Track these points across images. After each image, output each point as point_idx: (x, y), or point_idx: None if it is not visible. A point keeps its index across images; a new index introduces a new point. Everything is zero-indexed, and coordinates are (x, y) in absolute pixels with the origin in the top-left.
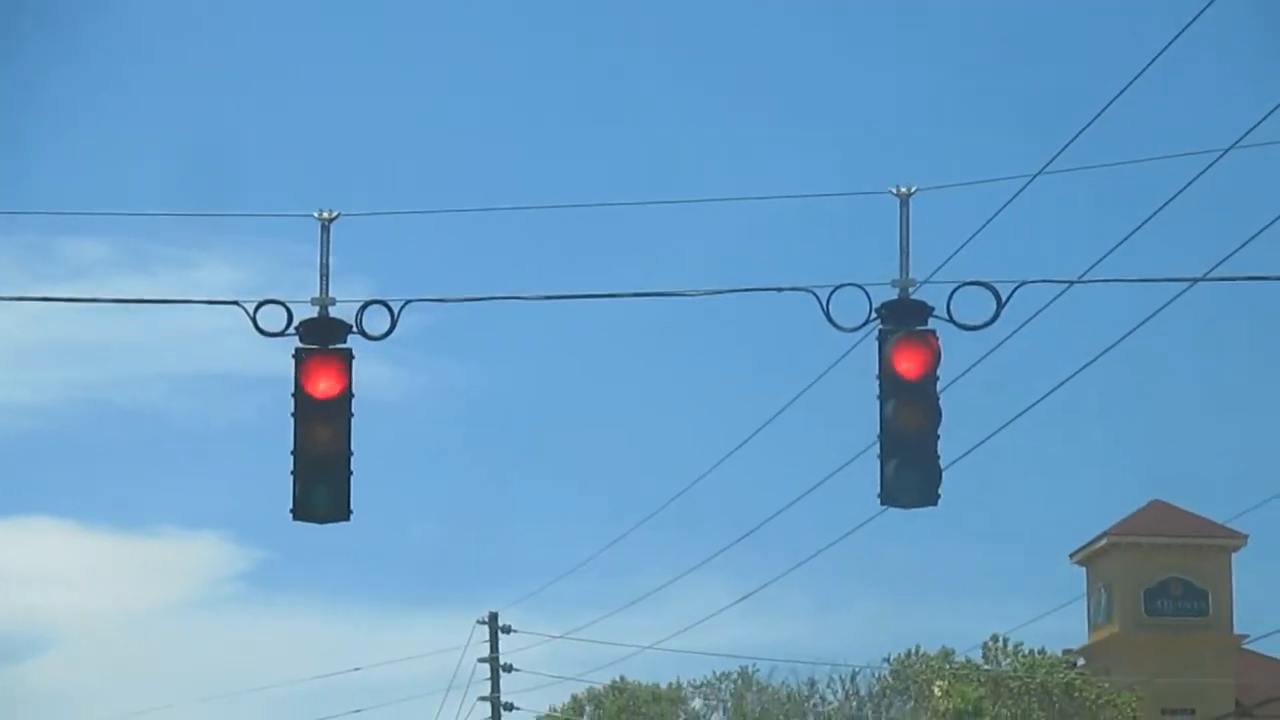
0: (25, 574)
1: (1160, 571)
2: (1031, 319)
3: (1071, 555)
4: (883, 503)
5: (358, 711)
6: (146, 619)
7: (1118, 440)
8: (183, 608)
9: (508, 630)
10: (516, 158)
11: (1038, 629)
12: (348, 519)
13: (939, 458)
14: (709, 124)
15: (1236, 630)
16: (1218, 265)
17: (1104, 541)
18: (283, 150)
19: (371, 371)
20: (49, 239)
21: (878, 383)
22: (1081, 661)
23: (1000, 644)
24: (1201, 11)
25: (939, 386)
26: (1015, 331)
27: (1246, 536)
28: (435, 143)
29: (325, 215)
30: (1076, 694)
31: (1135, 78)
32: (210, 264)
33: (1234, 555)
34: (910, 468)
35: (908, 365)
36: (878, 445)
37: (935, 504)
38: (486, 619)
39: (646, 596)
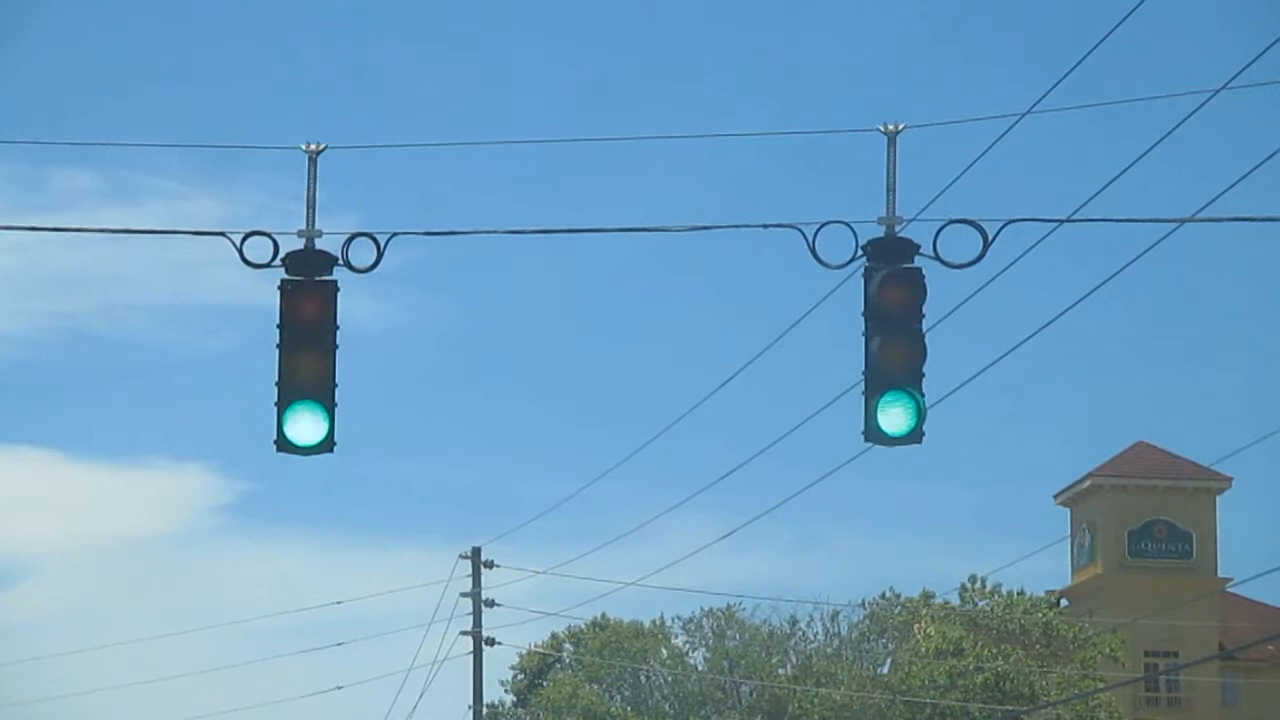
0: (6, 503)
1: (1144, 513)
2: (1019, 259)
3: (1055, 496)
4: (866, 439)
5: (339, 644)
6: (129, 550)
7: (1102, 382)
8: (166, 539)
9: (490, 565)
10: (503, 93)
11: (1021, 569)
12: (331, 450)
13: (924, 395)
14: (695, 60)
15: (1221, 573)
16: (1205, 206)
17: (1088, 483)
18: (271, 86)
19: (356, 305)
20: (38, 169)
21: (863, 319)
22: (1065, 603)
23: (979, 585)
24: None
25: (924, 325)
26: (1002, 271)
27: (1231, 479)
28: (422, 79)
29: (312, 148)
30: (1056, 634)
31: (1126, 16)
32: (198, 197)
33: (1219, 498)
34: (894, 404)
35: (893, 302)
36: (862, 382)
37: (920, 442)
38: (469, 554)
39: (630, 533)
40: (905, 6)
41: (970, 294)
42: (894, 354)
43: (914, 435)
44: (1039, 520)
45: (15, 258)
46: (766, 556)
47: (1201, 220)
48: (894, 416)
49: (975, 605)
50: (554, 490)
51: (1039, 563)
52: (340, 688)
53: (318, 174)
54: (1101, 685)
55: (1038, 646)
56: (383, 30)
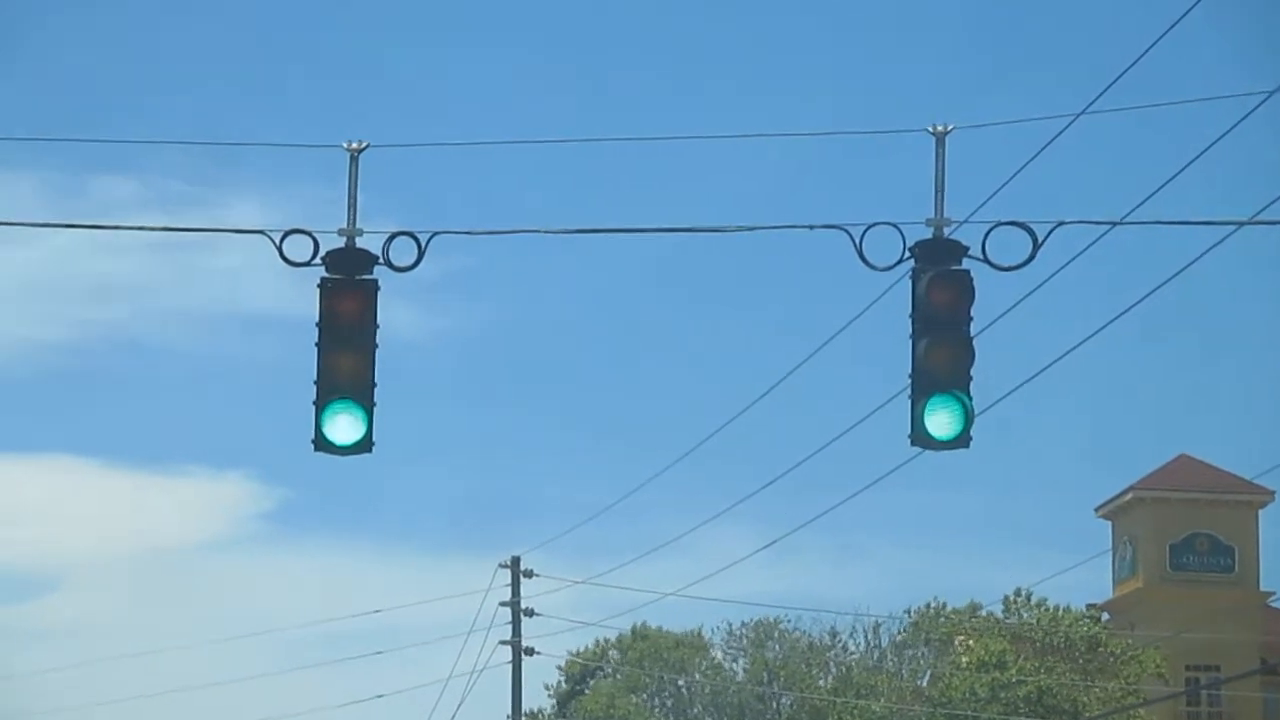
0: (43, 512)
1: (1186, 526)
2: (1070, 262)
3: (1097, 509)
4: (913, 443)
5: (378, 653)
6: (168, 558)
7: (1144, 393)
8: (205, 547)
9: (529, 575)
10: (547, 93)
11: (1062, 583)
12: (370, 451)
13: (971, 398)
14: (742, 60)
15: (1263, 587)
16: (1263, 209)
17: (1130, 496)
18: (312, 87)
19: (396, 314)
20: (77, 177)
21: (910, 321)
22: (1106, 616)
23: (1023, 598)
24: None
25: (972, 328)
26: (1053, 275)
27: (1274, 492)
28: (468, 80)
29: (354, 146)
30: (1101, 648)
31: (1181, 17)
32: (238, 204)
33: (1261, 511)
34: (942, 408)
35: (941, 303)
36: (909, 386)
37: (967, 446)
38: (509, 563)
39: (669, 543)
40: (955, 6)
41: (1019, 298)
42: (942, 356)
43: (961, 439)
44: (1080, 533)
45: (56, 265)
46: (806, 568)
47: (1260, 223)
48: (941, 420)
49: (1020, 618)
50: (593, 500)
51: (1080, 576)
52: (380, 696)
53: (359, 173)
54: (1142, 700)
55: (1082, 660)
56: (421, 31)
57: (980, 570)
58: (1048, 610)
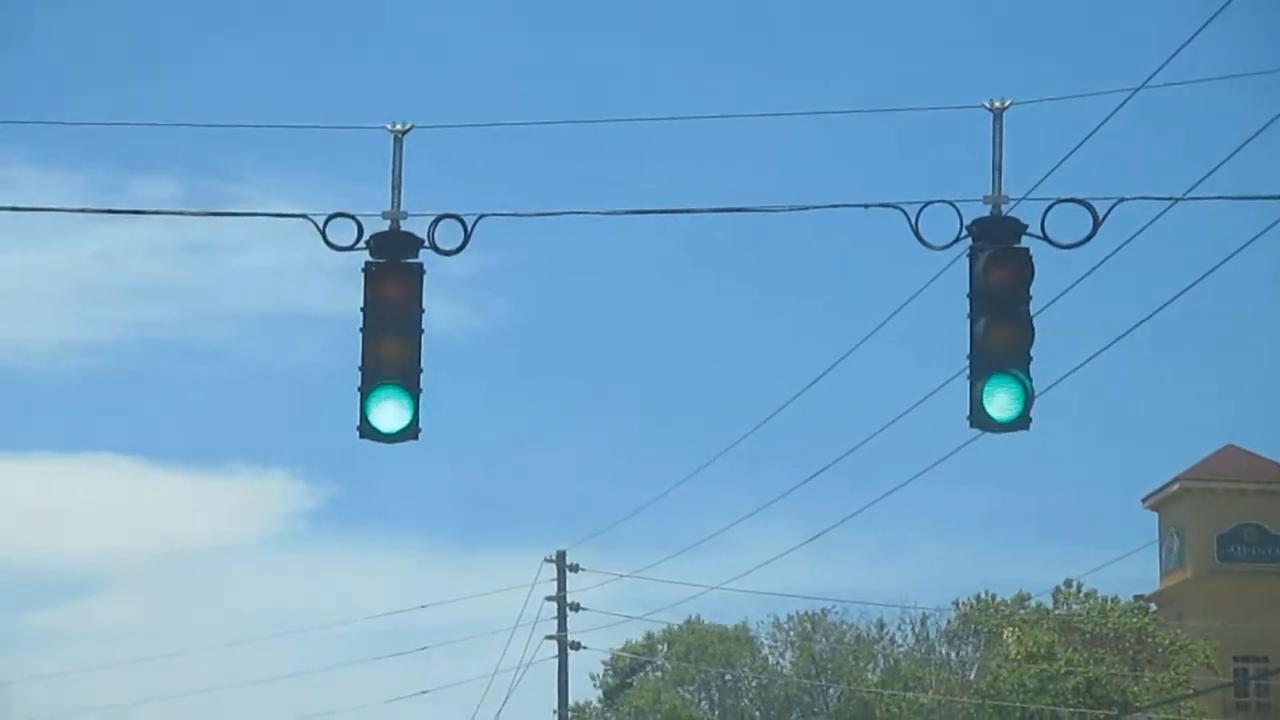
0: (90, 511)
1: (1234, 517)
2: (1130, 239)
3: (1144, 500)
4: (972, 425)
5: (424, 649)
6: (213, 556)
7: (1192, 382)
8: (250, 545)
9: (575, 569)
10: (591, 73)
11: (1109, 574)
12: (416, 438)
13: (1031, 379)
14: (793, 36)
15: None
16: None
17: (1177, 486)
18: (357, 74)
19: (433, 309)
20: (118, 175)
21: (968, 300)
22: (1153, 608)
23: (1074, 589)
24: None
25: (1032, 307)
26: (1113, 253)
27: None
28: (513, 62)
29: (398, 128)
30: (1150, 639)
31: None
32: (280, 205)
33: None
34: (1001, 388)
35: (1000, 282)
36: (966, 367)
37: (1027, 427)
38: (554, 557)
39: (713, 536)
40: None
41: (1079, 277)
42: (1001, 336)
43: (1021, 421)
44: (1127, 525)
45: (97, 267)
46: (851, 561)
47: None
48: (1001, 401)
49: (1069, 609)
50: (639, 494)
51: (1127, 568)
52: (425, 692)
53: (404, 155)
54: (1191, 690)
55: (1131, 652)
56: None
57: (1026, 563)
58: (1096, 602)
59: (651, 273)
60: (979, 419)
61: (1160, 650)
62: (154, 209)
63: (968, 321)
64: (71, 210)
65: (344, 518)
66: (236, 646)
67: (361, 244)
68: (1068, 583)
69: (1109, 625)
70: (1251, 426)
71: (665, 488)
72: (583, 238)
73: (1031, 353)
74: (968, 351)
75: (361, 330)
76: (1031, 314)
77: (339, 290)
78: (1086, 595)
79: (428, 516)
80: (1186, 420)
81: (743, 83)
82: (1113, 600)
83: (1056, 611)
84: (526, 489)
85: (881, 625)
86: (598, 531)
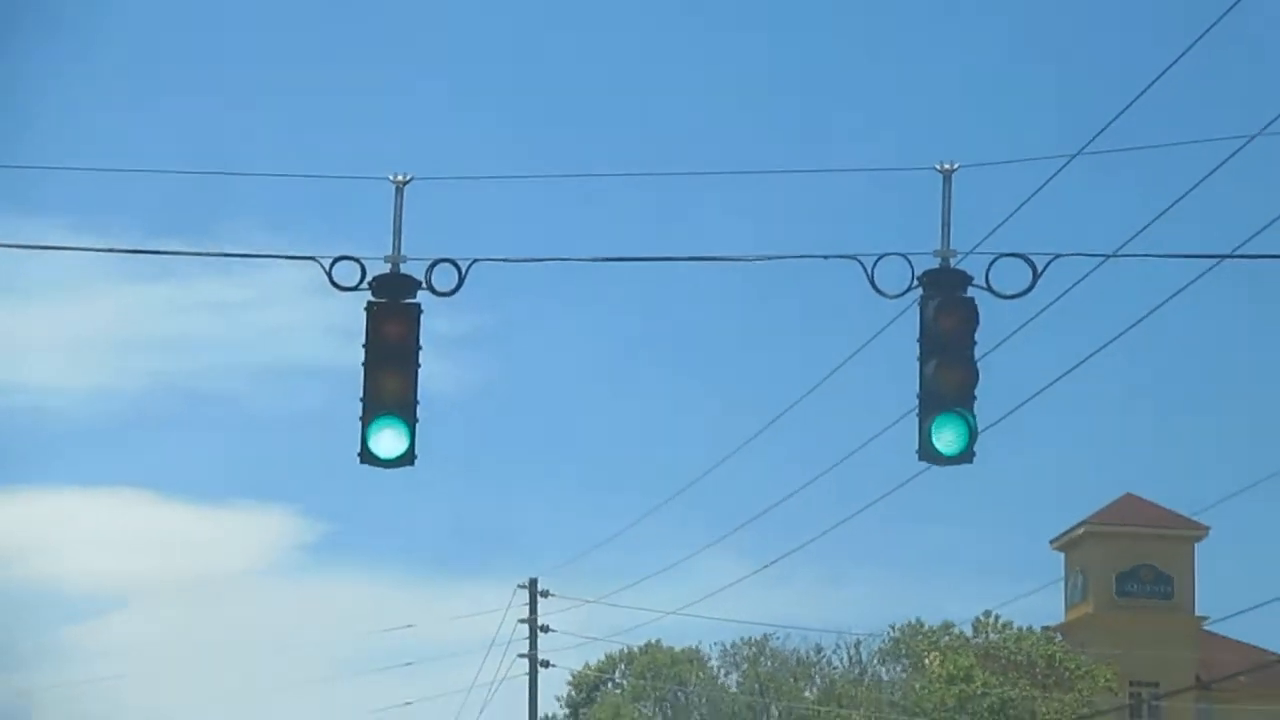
0: (110, 538)
1: (1131, 558)
2: (1065, 292)
3: (1052, 542)
4: (921, 458)
5: (409, 664)
6: (218, 581)
7: (1098, 434)
8: (251, 573)
9: (545, 594)
10: (575, 125)
11: (1022, 607)
12: (412, 464)
13: (975, 417)
14: (764, 101)
15: (1199, 612)
16: (1243, 244)
17: (1081, 530)
18: (359, 125)
19: (431, 366)
20: (141, 240)
21: (919, 345)
22: (1059, 637)
23: (991, 619)
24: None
25: (976, 351)
26: (1050, 304)
27: (1209, 528)
28: (510, 117)
29: (399, 179)
30: (1058, 665)
31: (1172, 64)
32: (284, 267)
33: (1197, 545)
34: (948, 425)
35: (948, 327)
36: (916, 405)
37: (971, 461)
38: (526, 584)
39: (670, 568)
40: (963, 52)
41: (1020, 324)
42: (948, 377)
43: (965, 455)
44: (1037, 563)
45: (121, 323)
46: (793, 592)
47: (1240, 257)
48: (947, 436)
49: (987, 638)
50: (604, 529)
51: (1037, 601)
52: (409, 703)
53: (404, 203)
54: (1093, 712)
55: (1040, 676)
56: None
57: (951, 595)
58: (1011, 632)
59: (621, 316)
60: (927, 453)
61: (1066, 675)
62: (172, 249)
63: (918, 363)
64: (98, 249)
65: (337, 549)
66: (238, 661)
67: (364, 285)
68: (986, 614)
69: (1022, 652)
70: (1148, 477)
71: (628, 523)
72: (563, 292)
73: (975, 393)
74: (917, 391)
75: (363, 365)
76: (975, 358)
77: (337, 345)
78: (1003, 625)
79: (412, 548)
80: (1091, 470)
81: (722, 141)
82: (1026, 630)
83: (976, 639)
84: (502, 523)
85: (819, 649)
86: (566, 561)
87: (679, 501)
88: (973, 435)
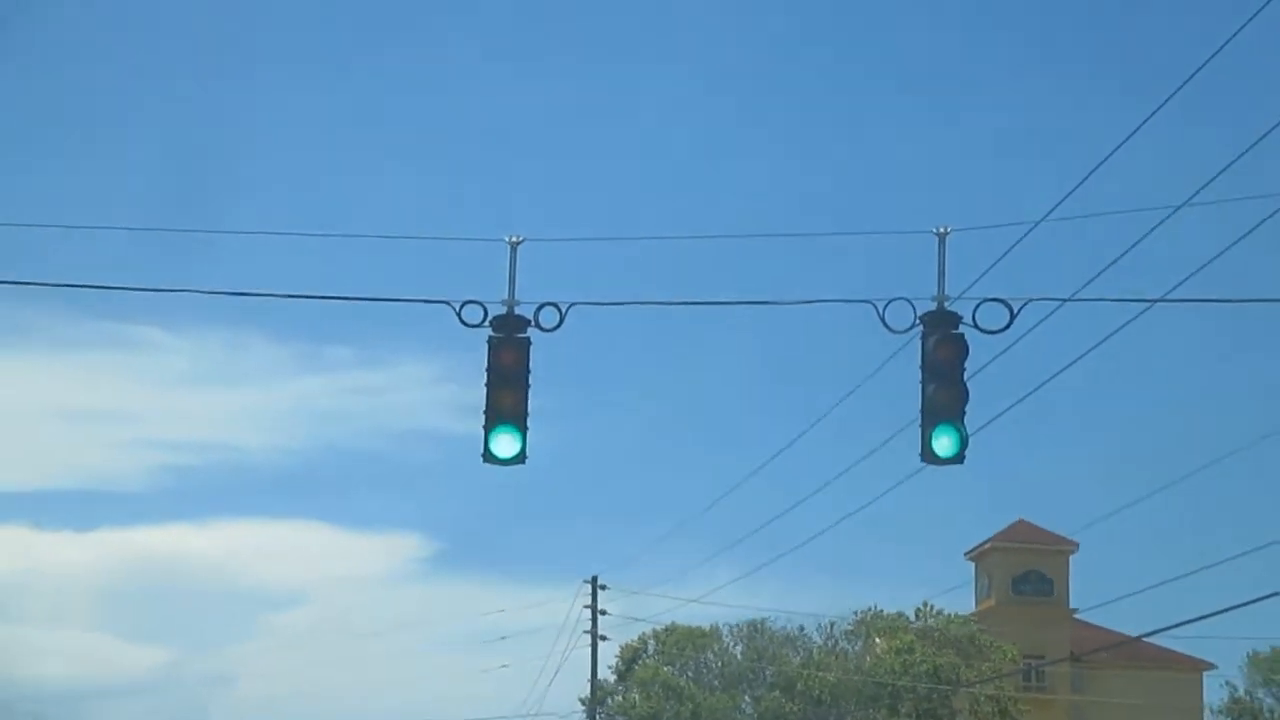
0: (293, 554)
1: (1023, 566)
2: (1034, 326)
3: (966, 554)
4: (923, 460)
5: (503, 639)
6: (367, 584)
7: (995, 467)
8: (390, 577)
9: (604, 588)
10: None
11: (945, 600)
12: (523, 462)
13: (966, 428)
14: (775, 177)
15: (1072, 605)
16: (1173, 289)
17: (988, 546)
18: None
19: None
20: (315, 346)
21: (920, 371)
22: (976, 624)
23: (928, 608)
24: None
25: (966, 375)
26: (1023, 335)
27: (1078, 544)
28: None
29: (513, 239)
30: (976, 643)
31: (1115, 150)
32: (415, 362)
33: (1071, 557)
34: (944, 434)
35: (944, 357)
36: (918, 420)
37: (962, 462)
38: (589, 580)
39: (693, 567)
40: (956, 133)
41: (997, 353)
42: (944, 396)
43: (958, 457)
44: (956, 570)
45: (298, 400)
46: (784, 585)
47: (1171, 301)
48: (944, 443)
49: (925, 621)
50: (645, 539)
51: (956, 597)
52: (505, 666)
53: (517, 258)
54: (1000, 674)
55: (963, 650)
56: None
57: (897, 591)
58: (942, 617)
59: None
60: (928, 455)
61: (982, 650)
62: (318, 294)
63: (919, 385)
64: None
65: (449, 560)
66: (383, 638)
67: (486, 323)
68: (925, 604)
69: (950, 632)
70: (1035, 505)
71: (663, 535)
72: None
73: (965, 409)
74: (920, 406)
75: (485, 385)
76: (966, 380)
77: (451, 417)
78: (936, 612)
79: (505, 557)
80: (994, 499)
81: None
82: (953, 616)
83: (915, 623)
84: (573, 538)
85: (802, 628)
86: (618, 564)
87: (700, 520)
88: (964, 442)
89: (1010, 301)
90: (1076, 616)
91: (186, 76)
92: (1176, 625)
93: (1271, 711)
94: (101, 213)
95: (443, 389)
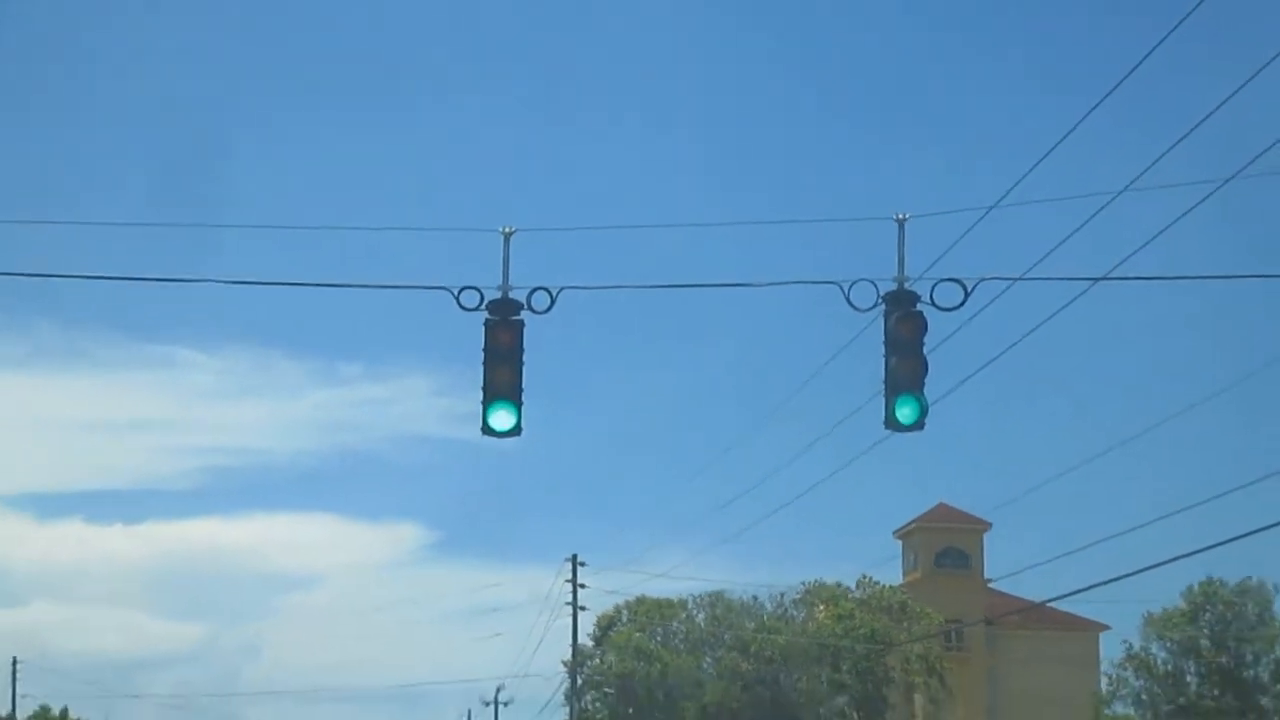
0: (309, 543)
1: (944, 543)
2: (986, 306)
3: (894, 533)
4: (886, 428)
5: (496, 610)
6: (373, 568)
7: (914, 453)
8: (394, 563)
9: (583, 564)
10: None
11: (878, 573)
12: (519, 435)
13: (925, 398)
14: (745, 173)
15: (986, 576)
16: (1115, 267)
17: (913, 525)
18: (470, 172)
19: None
20: (329, 363)
21: (883, 346)
22: (905, 593)
23: (866, 579)
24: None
25: (926, 349)
26: (977, 313)
27: (991, 524)
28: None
29: (506, 230)
30: (907, 609)
31: (1060, 140)
32: (417, 375)
33: (984, 535)
34: (906, 403)
35: (905, 333)
36: (882, 391)
37: (923, 429)
38: (570, 558)
39: (660, 545)
40: (914, 124)
41: (953, 330)
42: (906, 369)
43: (919, 424)
44: (886, 547)
45: (314, 411)
46: (740, 559)
47: (1113, 279)
48: (906, 412)
49: (864, 591)
50: (619, 524)
51: (888, 569)
52: (498, 634)
53: (511, 247)
54: (926, 635)
55: (896, 614)
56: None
57: (838, 565)
58: (878, 587)
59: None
60: (891, 423)
61: (911, 615)
62: (336, 282)
63: (883, 359)
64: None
65: (447, 545)
66: (391, 613)
67: (483, 306)
68: (864, 576)
69: (884, 600)
70: (954, 489)
71: (634, 520)
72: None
73: (925, 381)
74: (883, 379)
75: (483, 364)
76: (925, 354)
77: (448, 425)
78: (873, 583)
79: (497, 540)
80: (917, 484)
81: (716, 193)
82: (887, 586)
83: (855, 592)
84: (555, 522)
85: (755, 597)
86: (594, 542)
87: (668, 503)
88: (924, 411)
89: (964, 281)
90: (990, 586)
91: (187, 77)
92: (1075, 592)
93: (1165, 663)
94: (102, 213)
95: (440, 400)
